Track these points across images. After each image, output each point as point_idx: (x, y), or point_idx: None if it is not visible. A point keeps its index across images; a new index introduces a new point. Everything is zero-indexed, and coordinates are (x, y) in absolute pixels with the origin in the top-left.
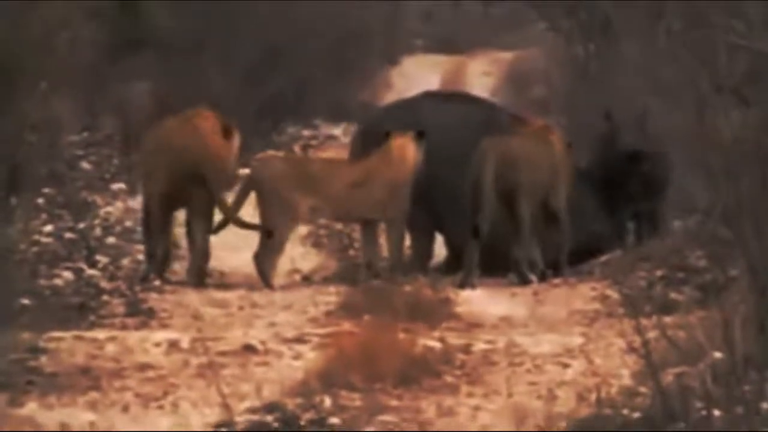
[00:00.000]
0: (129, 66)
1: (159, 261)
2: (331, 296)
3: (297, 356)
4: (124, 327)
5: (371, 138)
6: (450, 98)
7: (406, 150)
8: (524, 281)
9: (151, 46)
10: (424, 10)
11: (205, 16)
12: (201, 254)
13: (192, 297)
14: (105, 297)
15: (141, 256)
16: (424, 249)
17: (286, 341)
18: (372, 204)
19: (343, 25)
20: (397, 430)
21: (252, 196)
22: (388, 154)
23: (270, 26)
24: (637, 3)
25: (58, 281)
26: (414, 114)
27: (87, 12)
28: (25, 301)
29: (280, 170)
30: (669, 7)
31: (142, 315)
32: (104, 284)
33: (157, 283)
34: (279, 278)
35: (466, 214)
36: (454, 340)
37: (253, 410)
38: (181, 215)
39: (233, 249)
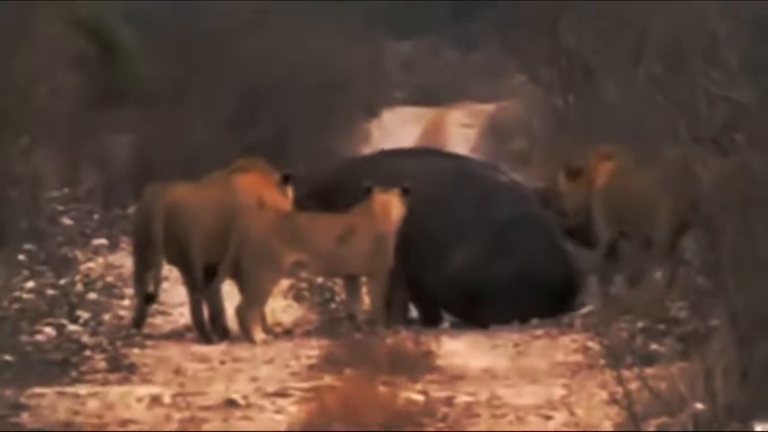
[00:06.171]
0: (110, 118)
1: None
2: (312, 350)
3: (279, 410)
4: (106, 382)
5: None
6: (419, 153)
7: (391, 205)
8: None
9: (131, 96)
10: (404, 60)
11: (185, 67)
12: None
13: (173, 352)
14: (87, 352)
15: (122, 312)
16: (401, 301)
17: (268, 395)
18: (357, 259)
19: (324, 76)
20: None
21: None
22: (372, 209)
23: (250, 77)
24: (617, 47)
25: (39, 337)
26: (380, 170)
27: (67, 62)
28: (7, 358)
29: (265, 224)
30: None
31: (123, 370)
32: (86, 340)
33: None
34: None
35: (439, 264)
36: (437, 392)
37: None
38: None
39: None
